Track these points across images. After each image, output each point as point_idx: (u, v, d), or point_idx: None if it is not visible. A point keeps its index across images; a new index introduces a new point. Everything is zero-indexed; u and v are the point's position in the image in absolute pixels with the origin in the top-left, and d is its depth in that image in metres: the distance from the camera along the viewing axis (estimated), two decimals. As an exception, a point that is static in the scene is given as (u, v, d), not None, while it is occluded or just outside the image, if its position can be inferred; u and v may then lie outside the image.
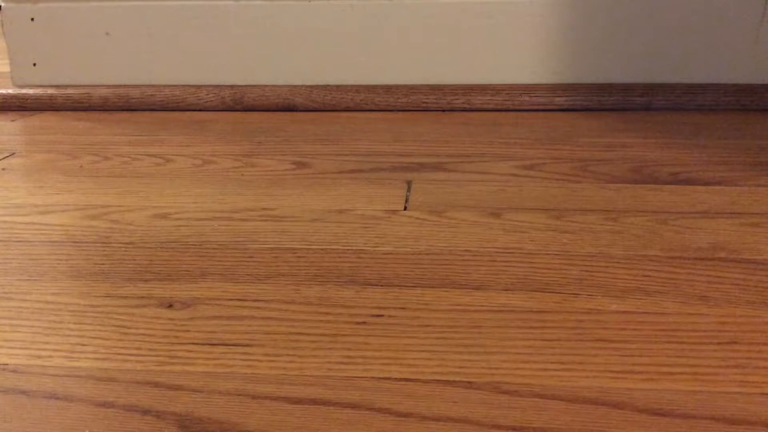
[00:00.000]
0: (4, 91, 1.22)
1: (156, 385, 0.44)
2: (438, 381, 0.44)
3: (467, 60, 1.14)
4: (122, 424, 0.41)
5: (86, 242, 0.67)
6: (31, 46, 1.22)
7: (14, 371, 0.47)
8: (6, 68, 1.26)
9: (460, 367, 0.46)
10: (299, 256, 0.62)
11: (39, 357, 0.48)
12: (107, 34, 1.19)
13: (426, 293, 0.55)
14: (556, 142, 0.95)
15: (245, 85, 1.18)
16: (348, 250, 0.63)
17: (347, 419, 0.41)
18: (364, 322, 0.51)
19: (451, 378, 0.45)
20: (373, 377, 0.45)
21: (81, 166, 0.90)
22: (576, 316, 0.51)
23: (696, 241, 0.63)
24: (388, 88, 1.15)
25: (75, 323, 0.52)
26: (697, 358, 0.46)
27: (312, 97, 1.16)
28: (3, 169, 0.90)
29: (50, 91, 1.21)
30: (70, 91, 1.21)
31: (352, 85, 1.16)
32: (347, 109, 1.15)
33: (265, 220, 0.70)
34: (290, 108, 1.17)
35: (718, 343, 0.48)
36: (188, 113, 1.17)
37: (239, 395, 0.43)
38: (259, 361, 0.47)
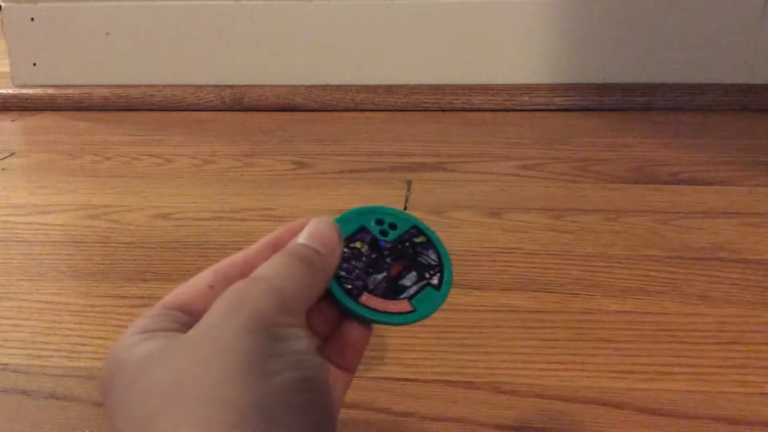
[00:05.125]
0: (4, 91, 1.22)
1: (156, 385, 0.44)
2: (438, 381, 0.44)
3: (467, 60, 1.14)
4: (122, 424, 0.41)
5: (86, 242, 0.67)
6: (31, 46, 1.22)
7: (14, 371, 0.47)
8: (6, 68, 1.26)
9: (460, 367, 0.46)
10: (299, 256, 0.62)
11: (39, 357, 0.48)
12: (107, 34, 1.19)
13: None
14: (556, 142, 0.95)
15: (245, 85, 1.18)
16: (348, 250, 0.63)
17: (347, 419, 0.41)
18: (364, 322, 0.51)
19: (451, 378, 0.45)
20: (373, 377, 0.45)
21: (81, 166, 0.90)
22: (576, 316, 0.51)
23: (696, 241, 0.63)
24: (388, 88, 1.15)
25: (75, 323, 0.52)
26: (697, 358, 0.46)
27: (312, 97, 1.16)
28: (3, 169, 0.90)
29: (50, 91, 1.21)
30: (70, 91, 1.21)
31: (352, 85, 1.16)
32: (347, 109, 1.15)
33: (265, 220, 0.70)
34: (290, 108, 1.17)
35: (718, 343, 0.48)
36: (188, 113, 1.17)
37: (239, 395, 0.43)
38: (259, 361, 0.47)
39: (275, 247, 0.29)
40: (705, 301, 0.53)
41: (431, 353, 0.47)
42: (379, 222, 0.31)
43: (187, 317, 0.27)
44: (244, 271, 0.28)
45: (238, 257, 0.29)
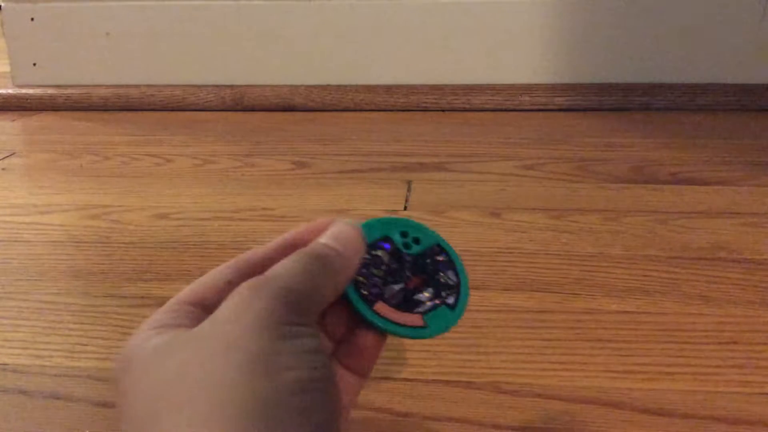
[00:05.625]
0: (4, 91, 1.23)
1: (156, 385, 0.44)
2: (438, 381, 0.44)
3: (467, 60, 1.14)
4: (122, 424, 0.41)
5: (86, 242, 0.67)
6: (31, 46, 1.22)
7: (14, 371, 0.47)
8: (6, 68, 1.26)
9: (460, 367, 0.46)
10: (299, 256, 0.62)
11: (39, 357, 0.48)
12: (107, 34, 1.19)
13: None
14: (556, 142, 0.95)
15: (245, 85, 1.18)
16: (348, 250, 0.63)
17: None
18: (364, 322, 0.51)
19: (451, 378, 0.45)
20: (373, 377, 0.45)
21: (81, 166, 0.90)
22: (576, 316, 0.51)
23: (696, 241, 0.63)
24: (388, 88, 1.15)
25: (75, 323, 0.52)
26: (697, 358, 0.46)
27: (312, 97, 1.16)
28: (3, 169, 0.90)
29: (50, 91, 1.21)
30: (70, 91, 1.21)
31: (352, 85, 1.16)
32: (347, 109, 1.15)
33: (265, 220, 0.70)
34: (290, 108, 1.17)
35: (718, 343, 0.48)
36: (188, 113, 1.17)
37: (239, 395, 0.43)
38: (259, 361, 0.46)
39: (295, 244, 0.29)
40: (705, 301, 0.53)
41: (431, 353, 0.47)
42: (404, 234, 0.31)
43: (202, 313, 0.26)
44: (263, 267, 0.28)
45: (257, 253, 0.29)
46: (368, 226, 0.31)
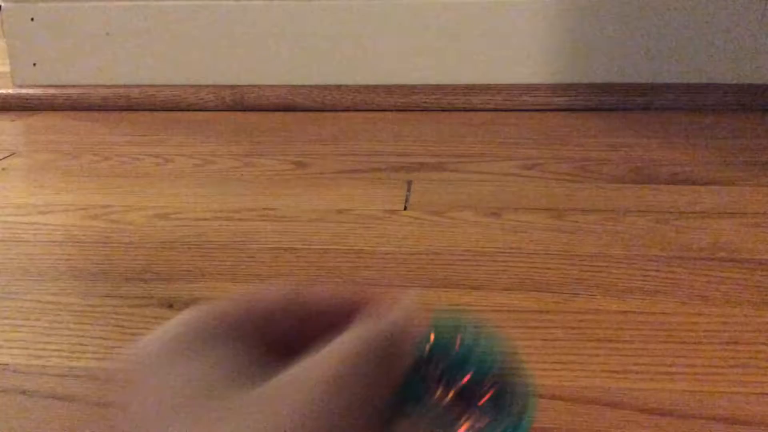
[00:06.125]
0: (4, 91, 1.22)
1: (156, 385, 0.44)
2: (438, 381, 0.44)
3: (467, 60, 1.14)
4: (122, 424, 0.41)
5: (86, 242, 0.67)
6: (31, 46, 1.21)
7: (14, 371, 0.47)
8: (6, 68, 1.26)
9: (460, 367, 0.46)
10: (299, 256, 0.62)
11: (39, 357, 0.48)
12: (107, 34, 1.19)
13: (426, 293, 0.55)
14: (556, 142, 0.95)
15: (245, 85, 1.18)
16: (348, 250, 0.63)
17: (347, 419, 0.41)
18: (364, 322, 0.51)
19: (451, 378, 0.45)
20: (373, 377, 0.45)
21: (81, 166, 0.90)
22: (576, 316, 0.51)
23: (696, 241, 0.63)
24: (388, 88, 1.15)
25: (75, 323, 0.52)
26: (697, 358, 0.46)
27: (312, 97, 1.16)
28: (3, 169, 0.90)
29: (50, 91, 1.21)
30: (70, 91, 1.21)
31: (352, 85, 1.16)
32: (347, 109, 1.15)
33: (265, 220, 0.70)
34: (290, 108, 1.17)
35: (718, 343, 0.48)
36: (188, 113, 1.17)
37: (239, 395, 0.43)
38: (259, 361, 0.46)
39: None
40: (705, 301, 0.53)
41: (431, 353, 0.47)
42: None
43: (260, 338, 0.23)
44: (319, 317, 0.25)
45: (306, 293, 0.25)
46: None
